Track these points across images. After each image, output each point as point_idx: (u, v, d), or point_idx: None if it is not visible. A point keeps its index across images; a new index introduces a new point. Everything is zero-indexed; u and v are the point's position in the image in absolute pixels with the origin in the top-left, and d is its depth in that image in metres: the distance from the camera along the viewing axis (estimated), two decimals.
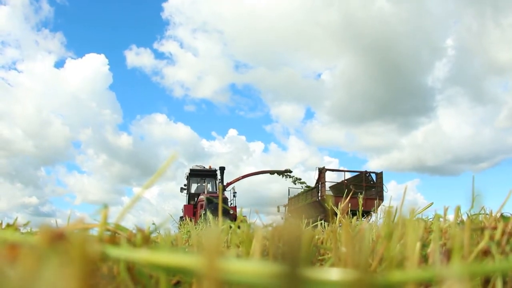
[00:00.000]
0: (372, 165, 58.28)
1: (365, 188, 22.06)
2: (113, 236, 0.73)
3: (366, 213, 16.25)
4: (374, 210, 19.08)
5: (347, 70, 55.04)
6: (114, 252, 0.45)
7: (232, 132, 63.50)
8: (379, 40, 52.60)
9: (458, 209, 0.99)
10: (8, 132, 53.90)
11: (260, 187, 26.20)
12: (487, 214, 1.29)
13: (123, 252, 0.46)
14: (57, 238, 0.32)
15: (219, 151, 58.31)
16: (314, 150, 64.83)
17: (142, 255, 0.41)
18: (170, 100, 67.76)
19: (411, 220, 0.51)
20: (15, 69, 64.37)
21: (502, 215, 1.16)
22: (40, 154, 60.01)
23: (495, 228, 0.81)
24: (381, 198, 22.01)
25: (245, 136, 67.91)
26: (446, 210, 1.22)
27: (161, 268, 0.40)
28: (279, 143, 67.69)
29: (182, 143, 63.01)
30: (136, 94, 70.56)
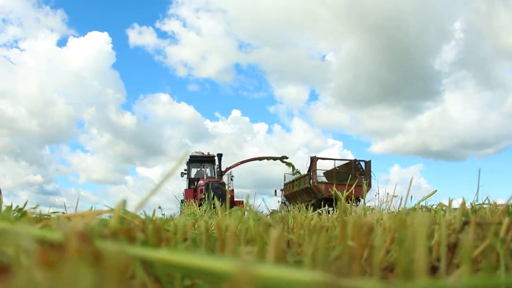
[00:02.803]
0: (376, 149, 57.29)
1: (354, 176, 22.30)
2: (128, 228, 0.70)
3: (356, 199, 16.38)
4: (362, 197, 19.20)
5: (353, 52, 53.43)
6: (133, 250, 0.42)
7: (236, 112, 62.83)
8: (385, 21, 50.56)
9: (463, 204, 0.96)
10: (11, 110, 52.98)
11: (262, 168, 26.32)
12: (491, 204, 1.26)
13: (141, 251, 0.43)
14: (84, 241, 0.29)
15: (223, 132, 57.79)
16: (318, 132, 64.39)
17: (164, 256, 0.38)
18: (173, 80, 66.26)
19: (420, 224, 0.48)
20: (17, 47, 62.47)
21: (508, 209, 1.13)
22: (44, 133, 59.05)
23: (500, 223, 0.79)
24: (369, 185, 22.30)
25: (249, 117, 66.90)
26: (450, 202, 1.19)
27: (182, 269, 0.37)
28: (283, 124, 66.95)
29: (185, 123, 62.22)
30: (139, 73, 68.94)
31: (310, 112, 61.12)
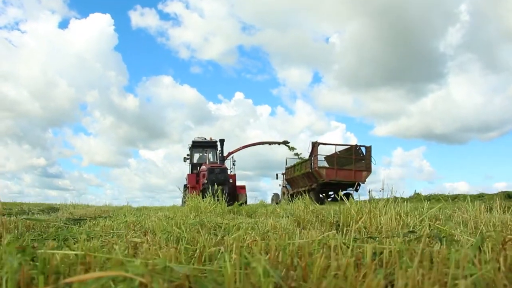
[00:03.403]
0: (379, 131, 56.74)
1: (354, 161, 22.42)
2: None
3: (356, 184, 16.62)
4: (362, 181, 19.33)
5: (357, 34, 52.29)
6: None
7: (239, 95, 62.56)
8: (390, 2, 49.13)
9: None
10: (14, 93, 52.46)
11: (264, 151, 26.50)
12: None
13: None
14: None
15: (226, 114, 57.43)
16: (321, 115, 64.19)
17: None
18: (176, 62, 65.44)
19: None
20: (18, 29, 61.22)
21: None
22: (47, 116, 58.66)
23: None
24: (369, 170, 22.43)
25: (252, 99, 66.33)
26: None
27: None
28: (286, 107, 66.66)
29: (188, 106, 61.98)
30: (142, 55, 68.03)
31: (313, 95, 60.65)
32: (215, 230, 2.34)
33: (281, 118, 62.08)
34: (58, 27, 63.23)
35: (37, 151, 59.56)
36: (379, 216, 3.12)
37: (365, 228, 2.52)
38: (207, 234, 2.02)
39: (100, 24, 56.88)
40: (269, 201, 30.59)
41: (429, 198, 14.58)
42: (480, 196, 12.44)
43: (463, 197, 12.92)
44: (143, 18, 65.26)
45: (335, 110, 64.85)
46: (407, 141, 62.75)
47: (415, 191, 17.20)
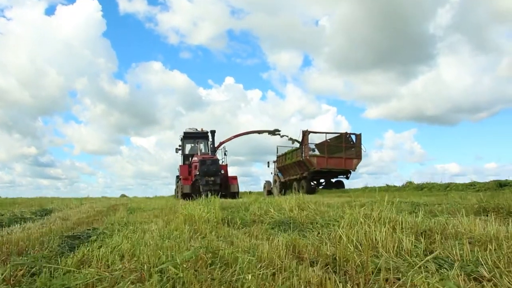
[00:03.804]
0: (370, 114, 56.66)
1: (345, 148, 22.54)
2: None
3: (347, 171, 16.74)
4: (353, 169, 19.48)
5: (346, 16, 51.36)
6: None
7: (229, 80, 61.93)
8: None
9: None
10: (2, 81, 51.27)
11: (257, 136, 26.45)
12: None
13: None
14: None
15: (217, 100, 56.89)
16: (311, 98, 63.96)
17: None
18: (165, 48, 64.33)
19: None
20: (4, 16, 59.21)
21: None
22: (36, 104, 57.40)
23: None
24: (359, 158, 22.58)
25: (242, 84, 65.69)
26: None
27: None
28: (276, 91, 66.31)
29: (179, 92, 61.21)
30: (130, 41, 66.63)
31: (303, 78, 60.27)
32: (212, 265, 2.29)
33: (272, 102, 61.81)
34: (45, 14, 61.63)
35: (28, 140, 58.73)
36: (375, 232, 3.10)
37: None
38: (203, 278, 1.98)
39: (87, 10, 55.33)
40: (261, 188, 30.78)
41: (421, 187, 14.67)
42: (472, 185, 12.52)
43: (455, 186, 13.00)
44: (131, 4, 63.95)
45: (326, 93, 64.64)
46: (398, 123, 63.08)
47: (407, 182, 17.30)
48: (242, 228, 4.38)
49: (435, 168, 52.56)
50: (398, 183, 18.12)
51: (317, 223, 4.49)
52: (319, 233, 3.95)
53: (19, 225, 5.15)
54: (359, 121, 58.01)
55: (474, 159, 58.84)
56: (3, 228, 4.85)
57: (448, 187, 13.36)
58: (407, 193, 13.64)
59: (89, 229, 4.22)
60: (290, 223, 4.57)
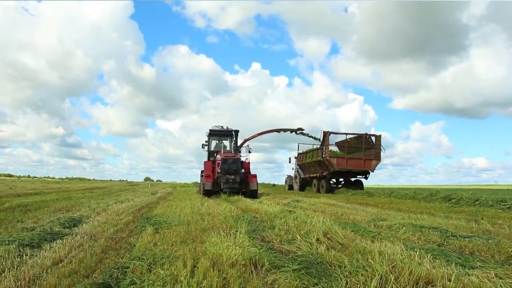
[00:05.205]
0: (397, 105, 54.91)
1: (364, 149, 22.29)
2: None
3: (366, 172, 16.42)
4: (372, 170, 19.17)
5: (376, 3, 49.30)
6: None
7: (256, 65, 61.01)
8: None
9: None
10: (32, 62, 51.75)
11: (282, 123, 26.24)
12: None
13: None
14: None
15: (243, 85, 56.09)
16: (338, 87, 62.60)
17: None
18: (191, 31, 63.61)
19: None
20: None
21: None
22: (64, 85, 58.01)
23: None
24: (378, 159, 22.27)
25: (269, 70, 64.76)
26: None
27: None
28: (303, 78, 65.11)
29: (205, 76, 60.71)
30: (157, 24, 66.02)
31: (330, 66, 58.84)
32: None
33: (298, 89, 60.78)
34: None
35: (56, 120, 59.63)
36: None
37: None
38: None
39: None
40: (284, 176, 30.90)
41: (449, 197, 14.12)
42: (503, 201, 11.90)
43: (485, 201, 12.43)
44: None
45: (353, 82, 62.97)
46: (425, 115, 61.05)
47: (435, 190, 16.79)
48: (269, 271, 4.19)
49: (462, 162, 51.05)
50: (423, 175, 17.56)
51: (345, 267, 4.27)
52: (347, 283, 3.75)
53: (49, 245, 5.08)
54: (386, 111, 56.49)
55: (503, 154, 56.86)
56: (34, 249, 4.83)
57: (477, 201, 12.75)
58: (435, 205, 13.20)
59: (117, 268, 4.10)
60: (318, 263, 4.36)
